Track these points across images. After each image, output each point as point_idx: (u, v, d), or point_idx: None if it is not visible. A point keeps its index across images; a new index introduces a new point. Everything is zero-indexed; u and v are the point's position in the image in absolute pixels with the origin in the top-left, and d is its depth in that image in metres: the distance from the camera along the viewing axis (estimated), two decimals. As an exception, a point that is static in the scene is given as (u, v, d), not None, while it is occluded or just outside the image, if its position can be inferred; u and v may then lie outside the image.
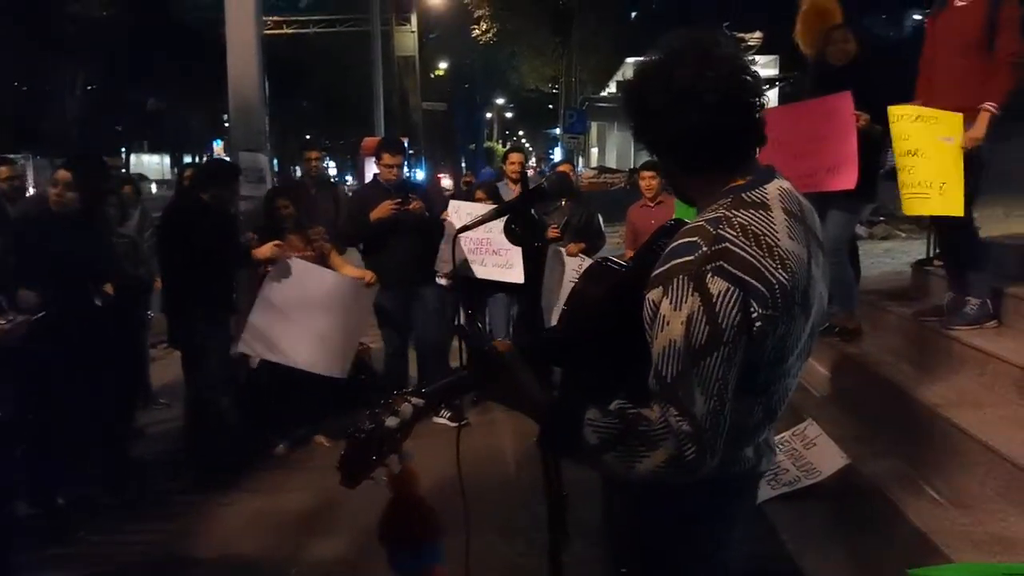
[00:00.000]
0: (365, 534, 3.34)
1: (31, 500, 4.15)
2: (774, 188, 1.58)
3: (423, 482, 2.11)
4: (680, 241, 1.51)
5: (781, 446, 3.94)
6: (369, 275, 5.26)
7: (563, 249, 5.74)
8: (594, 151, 35.78)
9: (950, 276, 4.79)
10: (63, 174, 4.10)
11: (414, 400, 1.53)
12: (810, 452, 3.95)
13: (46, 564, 3.75)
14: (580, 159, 30.51)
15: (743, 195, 1.55)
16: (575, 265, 5.63)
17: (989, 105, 4.11)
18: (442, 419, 5.31)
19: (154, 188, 29.85)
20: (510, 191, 6.16)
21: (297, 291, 4.87)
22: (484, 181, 7.14)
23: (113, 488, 4.50)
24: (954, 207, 4.18)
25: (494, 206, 5.75)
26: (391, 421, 1.49)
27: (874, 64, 4.87)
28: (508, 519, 3.91)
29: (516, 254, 4.99)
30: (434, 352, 5.68)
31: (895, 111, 4.38)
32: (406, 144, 11.97)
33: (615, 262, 1.77)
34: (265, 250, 4.76)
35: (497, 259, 5.46)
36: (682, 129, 1.54)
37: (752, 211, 1.51)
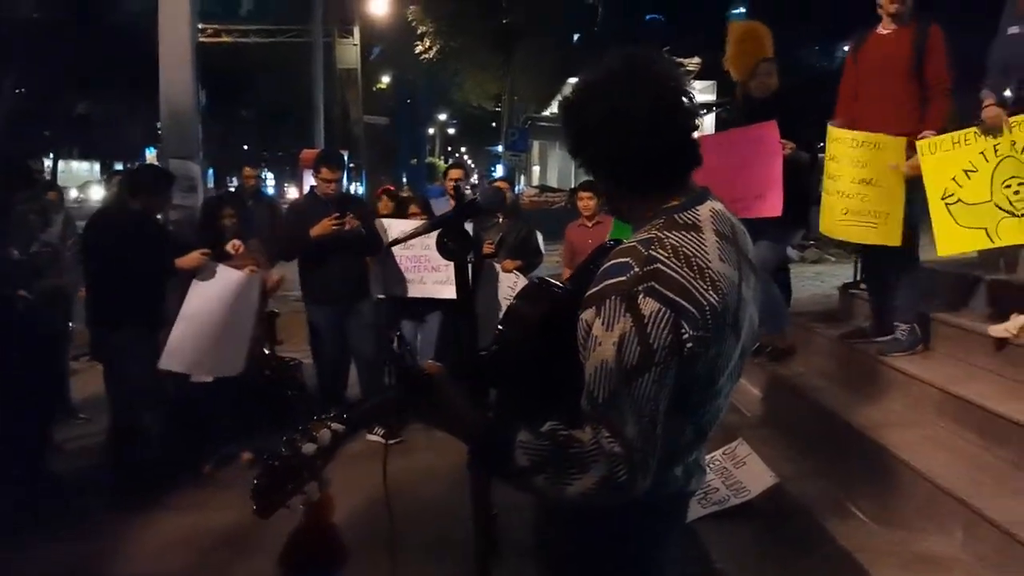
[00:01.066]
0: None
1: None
2: (706, 210, 1.59)
3: (353, 499, 2.05)
4: (613, 262, 1.51)
5: (712, 464, 3.97)
6: (252, 263, 5.10)
7: (498, 265, 5.73)
8: (536, 170, 36.02)
9: (873, 300, 4.93)
10: None
11: (334, 426, 1.46)
12: (740, 471, 4.00)
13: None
14: (522, 177, 30.70)
15: (675, 216, 1.55)
16: (510, 282, 5.62)
17: (928, 134, 4.22)
18: (375, 436, 5.24)
19: (74, 192, 28.85)
20: (449, 205, 6.14)
21: (217, 296, 4.71)
22: (413, 196, 7.10)
23: (29, 505, 4.29)
24: (894, 237, 4.29)
25: (425, 221, 5.78)
26: (308, 448, 1.43)
27: (795, 96, 5.03)
28: (441, 538, 3.85)
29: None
30: (371, 367, 5.60)
31: (835, 132, 4.51)
32: (346, 157, 11.91)
33: (552, 283, 1.76)
34: (191, 259, 4.60)
35: (437, 275, 5.43)
36: (616, 147, 1.54)
37: (684, 232, 1.52)
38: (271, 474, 1.42)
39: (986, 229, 4.02)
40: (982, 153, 4.01)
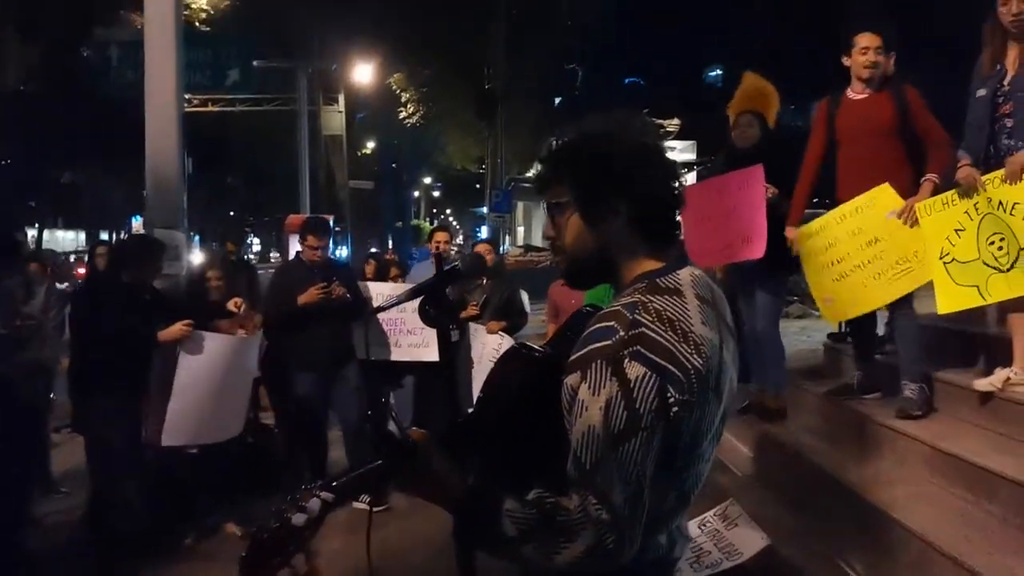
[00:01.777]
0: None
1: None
2: (687, 274, 1.60)
3: (338, 568, 2.01)
4: (597, 326, 1.51)
5: (704, 526, 3.92)
6: (250, 326, 5.10)
7: (483, 327, 5.73)
8: (520, 230, 36.30)
9: (858, 355, 4.95)
10: None
11: (323, 495, 1.44)
12: (731, 533, 3.93)
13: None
14: (507, 237, 30.88)
15: (657, 280, 1.56)
16: (495, 343, 5.62)
17: (932, 176, 4.27)
18: (361, 503, 5.16)
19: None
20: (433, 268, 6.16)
21: (208, 365, 4.66)
22: (394, 259, 7.14)
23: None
24: (930, 271, 4.24)
25: (407, 285, 5.79)
26: (298, 519, 1.41)
27: (776, 148, 5.12)
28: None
29: (431, 333, 4.99)
30: (358, 433, 5.55)
31: (813, 224, 4.67)
32: (332, 221, 11.98)
33: (530, 347, 1.75)
34: (174, 332, 4.52)
35: (412, 338, 5.45)
36: (628, 196, 1.58)
37: (667, 297, 1.53)
38: (259, 548, 1.39)
39: (978, 287, 4.02)
40: (966, 212, 4.04)
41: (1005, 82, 3.92)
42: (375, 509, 1.67)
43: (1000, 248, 3.95)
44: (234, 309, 4.86)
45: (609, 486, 1.42)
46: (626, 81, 39.67)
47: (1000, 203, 3.90)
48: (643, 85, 38.17)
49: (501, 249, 26.04)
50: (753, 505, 4.19)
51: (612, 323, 1.49)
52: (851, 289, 4.52)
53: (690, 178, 24.86)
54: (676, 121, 22.64)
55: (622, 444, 1.42)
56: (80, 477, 5.25)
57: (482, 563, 1.73)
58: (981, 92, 4.00)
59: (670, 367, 1.44)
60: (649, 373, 1.42)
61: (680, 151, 25.29)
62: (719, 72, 34.27)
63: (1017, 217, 3.83)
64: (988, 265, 3.99)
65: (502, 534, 1.46)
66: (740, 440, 5.22)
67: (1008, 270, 3.92)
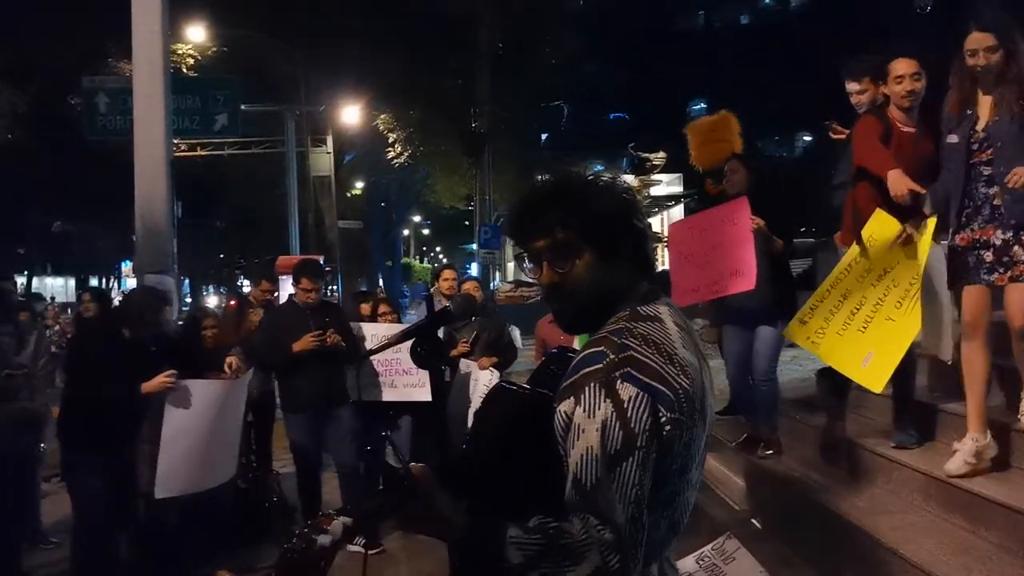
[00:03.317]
0: None
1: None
2: (663, 304, 1.66)
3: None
4: (587, 352, 1.56)
5: (701, 561, 3.89)
6: (234, 364, 5.05)
7: (474, 363, 5.72)
8: (510, 265, 36.40)
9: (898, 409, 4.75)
10: None
11: (343, 519, 1.48)
12: (729, 567, 3.90)
13: None
14: (497, 273, 30.93)
15: (639, 309, 1.62)
16: (486, 380, 5.60)
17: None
18: (356, 546, 5.11)
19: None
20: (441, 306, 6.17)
21: (195, 413, 4.58)
22: (383, 298, 7.10)
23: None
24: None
25: (400, 325, 5.77)
26: (323, 539, 1.43)
27: (767, 190, 5.14)
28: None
29: (427, 373, 4.99)
30: (353, 473, 5.51)
31: (802, 314, 4.45)
32: (322, 261, 11.98)
33: (512, 383, 1.79)
34: (155, 384, 4.41)
35: (408, 379, 5.43)
36: (632, 235, 1.65)
37: (649, 323, 1.59)
38: (291, 568, 1.41)
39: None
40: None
41: (979, 128, 3.77)
42: (370, 552, 1.67)
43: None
44: (227, 371, 4.83)
45: (610, 507, 1.44)
46: (611, 116, 40.14)
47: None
48: (628, 119, 38.61)
49: (492, 285, 26.08)
50: (750, 538, 4.17)
51: (601, 348, 1.54)
52: (882, 330, 4.11)
53: (676, 211, 25.03)
54: (662, 154, 22.78)
55: (620, 463, 1.45)
56: (70, 528, 5.16)
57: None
58: (953, 139, 3.86)
59: (660, 387, 1.48)
60: (641, 393, 1.47)
61: (666, 184, 25.46)
62: (703, 105, 34.70)
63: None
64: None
65: (508, 563, 1.46)
66: (736, 473, 5.20)
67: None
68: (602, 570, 1.43)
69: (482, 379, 5.67)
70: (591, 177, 1.70)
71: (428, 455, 5.74)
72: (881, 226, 4.15)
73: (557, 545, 1.45)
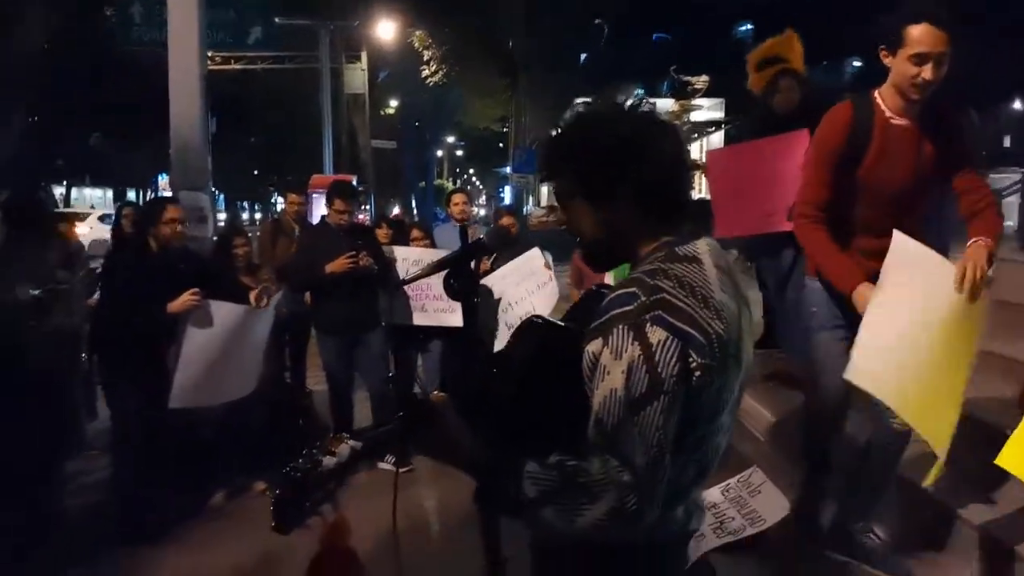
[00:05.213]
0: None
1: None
2: (703, 243, 1.62)
3: (363, 530, 2.02)
4: (618, 292, 1.53)
5: (727, 492, 3.91)
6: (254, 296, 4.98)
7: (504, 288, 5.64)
8: (544, 190, 36.14)
9: None
10: None
11: (351, 442, 1.49)
12: (755, 500, 3.93)
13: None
14: (530, 198, 30.77)
15: (676, 249, 1.58)
16: (514, 298, 5.54)
17: (988, 240, 3.06)
18: (386, 464, 5.25)
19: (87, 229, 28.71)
20: (455, 232, 6.14)
21: (216, 333, 4.62)
22: (415, 222, 7.07)
23: (37, 543, 4.27)
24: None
25: (433, 250, 5.72)
26: (328, 461, 1.45)
27: (817, 114, 4.93)
28: (449, 573, 3.83)
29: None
30: (383, 396, 5.60)
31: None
32: (355, 181, 11.96)
33: (544, 319, 1.77)
34: (181, 303, 4.42)
35: (439, 304, 5.43)
36: (631, 175, 1.57)
37: (685, 264, 1.55)
38: (292, 486, 1.42)
39: None
40: None
41: None
42: (400, 470, 1.69)
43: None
44: (253, 302, 4.82)
45: (631, 449, 1.43)
46: (654, 37, 39.02)
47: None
48: (671, 41, 37.51)
49: (525, 210, 25.96)
50: (776, 472, 4.18)
51: (633, 289, 1.50)
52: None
53: (716, 138, 24.54)
54: (704, 78, 22.24)
55: (644, 408, 1.43)
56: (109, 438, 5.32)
57: (505, 530, 1.75)
58: None
59: (692, 331, 1.45)
60: (671, 337, 1.44)
61: (708, 109, 24.92)
62: (749, 28, 33.59)
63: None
64: None
65: (523, 496, 1.48)
66: (764, 407, 5.18)
67: None
68: (618, 511, 1.43)
69: (508, 297, 5.58)
70: (594, 119, 1.65)
71: (456, 381, 5.85)
72: (907, 253, 3.00)
73: (574, 483, 1.46)
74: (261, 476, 5.19)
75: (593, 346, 1.50)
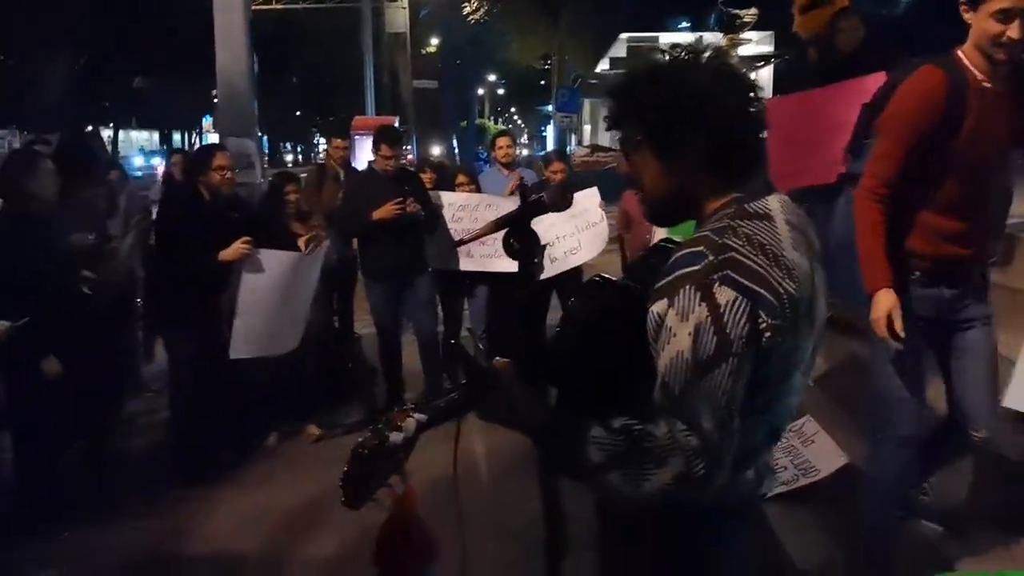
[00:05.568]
0: (358, 531, 3.29)
1: (15, 497, 4.07)
2: (775, 200, 1.56)
3: (423, 478, 2.04)
4: (685, 251, 1.48)
5: (779, 442, 3.89)
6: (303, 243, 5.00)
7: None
8: (587, 128, 35.62)
9: None
10: (46, 167, 3.94)
11: (417, 416, 1.47)
12: (808, 449, 3.91)
13: (28, 563, 3.68)
14: (572, 137, 30.36)
15: (746, 206, 1.52)
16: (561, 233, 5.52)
17: None
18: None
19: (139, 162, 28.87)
20: (500, 176, 6.08)
21: (270, 282, 4.68)
22: (460, 167, 6.97)
23: (98, 484, 4.41)
24: None
25: (479, 195, 5.66)
26: (395, 437, 1.43)
27: (883, 47, 4.67)
28: (503, 520, 3.87)
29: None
30: (431, 341, 5.64)
31: None
32: (397, 122, 11.90)
33: (608, 278, 1.72)
34: (233, 251, 4.48)
35: (485, 249, 5.41)
36: (710, 126, 1.51)
37: (756, 222, 1.49)
38: (361, 463, 1.42)
39: None
40: None
41: None
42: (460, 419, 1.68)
43: None
44: (302, 246, 4.85)
45: (698, 413, 1.40)
46: (700, -32, 37.73)
47: None
48: (718, -27, 36.27)
49: (568, 149, 25.64)
50: (831, 423, 4.13)
51: (700, 248, 1.46)
52: None
53: (765, 73, 23.82)
54: (753, 11, 21.49)
55: (711, 370, 1.39)
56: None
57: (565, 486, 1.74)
58: None
59: (761, 291, 1.40)
60: (740, 297, 1.39)
61: (756, 43, 24.15)
62: (800, -43, 32.28)
63: None
64: None
65: (588, 461, 1.46)
66: (820, 354, 5.11)
67: None
68: (685, 476, 1.40)
69: (557, 230, 5.57)
70: (668, 68, 1.56)
71: (507, 329, 5.86)
72: None
73: (640, 448, 1.43)
74: (311, 420, 5.29)
75: (658, 307, 1.46)
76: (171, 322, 4.69)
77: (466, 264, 5.61)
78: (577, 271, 5.81)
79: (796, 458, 3.89)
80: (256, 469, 4.84)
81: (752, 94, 1.55)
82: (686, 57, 1.56)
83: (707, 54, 1.56)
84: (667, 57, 1.59)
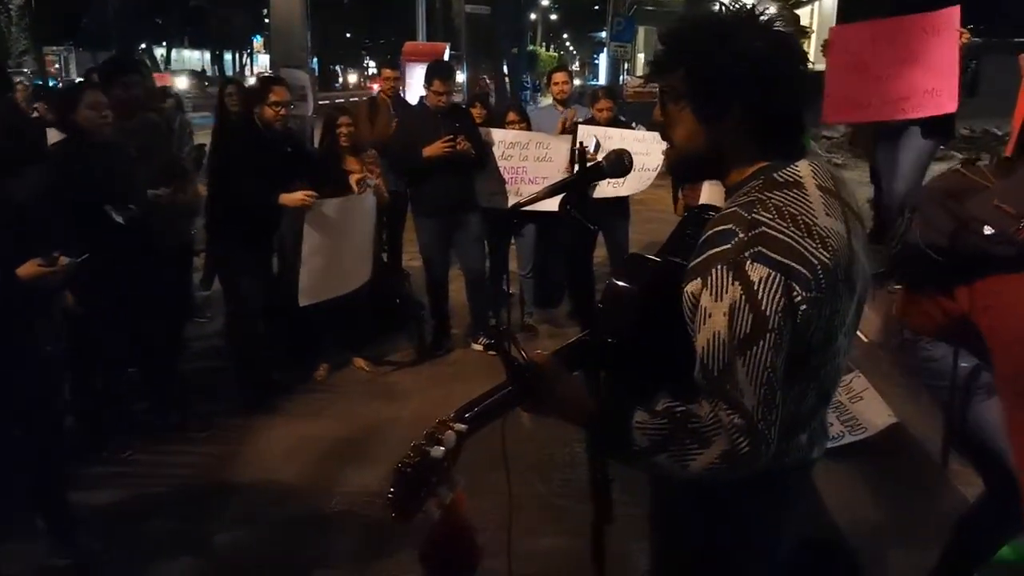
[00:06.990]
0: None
1: (78, 420, 4.23)
2: (805, 165, 1.52)
3: (470, 454, 2.05)
4: (715, 230, 1.46)
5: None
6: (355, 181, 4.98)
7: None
8: (640, 57, 34.70)
9: None
10: (97, 98, 3.96)
11: (456, 427, 1.50)
12: (856, 406, 3.86)
13: (90, 483, 3.83)
14: (625, 66, 29.61)
15: (775, 176, 1.49)
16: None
17: None
18: (478, 346, 5.43)
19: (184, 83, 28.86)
20: (554, 113, 5.97)
21: (333, 228, 4.76)
22: (511, 103, 6.84)
23: (161, 410, 4.57)
24: None
25: (529, 132, 5.57)
26: (436, 452, 1.46)
27: None
28: (545, 457, 3.95)
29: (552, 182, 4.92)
30: (479, 278, 5.69)
31: None
32: (448, 49, 11.71)
33: (647, 257, 1.72)
34: (296, 199, 4.51)
35: (533, 188, 5.35)
36: (744, 100, 1.47)
37: (786, 191, 1.46)
38: (405, 482, 1.45)
39: None
40: None
41: None
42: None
43: None
44: (353, 185, 4.85)
45: (739, 391, 1.40)
46: None
47: None
48: None
49: (620, 79, 25.09)
50: (881, 379, 4.07)
51: (730, 225, 1.44)
52: None
53: (829, 2, 22.84)
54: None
55: (749, 348, 1.39)
56: (220, 302, 5.52)
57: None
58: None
59: (795, 265, 1.39)
60: (773, 273, 1.38)
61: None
62: None
63: None
64: None
65: (634, 446, 1.48)
66: (871, 306, 5.01)
67: None
68: (731, 454, 1.41)
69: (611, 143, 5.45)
70: (723, 28, 1.49)
71: (553, 268, 5.85)
72: None
73: (685, 429, 1.44)
74: (360, 353, 5.39)
75: (692, 287, 1.46)
76: (228, 253, 4.77)
77: (513, 203, 5.57)
78: (624, 209, 5.76)
79: (843, 415, 3.85)
80: (306, 399, 4.96)
81: (803, 67, 1.51)
82: (746, 18, 1.51)
83: (766, 18, 1.51)
84: (723, 16, 1.53)
